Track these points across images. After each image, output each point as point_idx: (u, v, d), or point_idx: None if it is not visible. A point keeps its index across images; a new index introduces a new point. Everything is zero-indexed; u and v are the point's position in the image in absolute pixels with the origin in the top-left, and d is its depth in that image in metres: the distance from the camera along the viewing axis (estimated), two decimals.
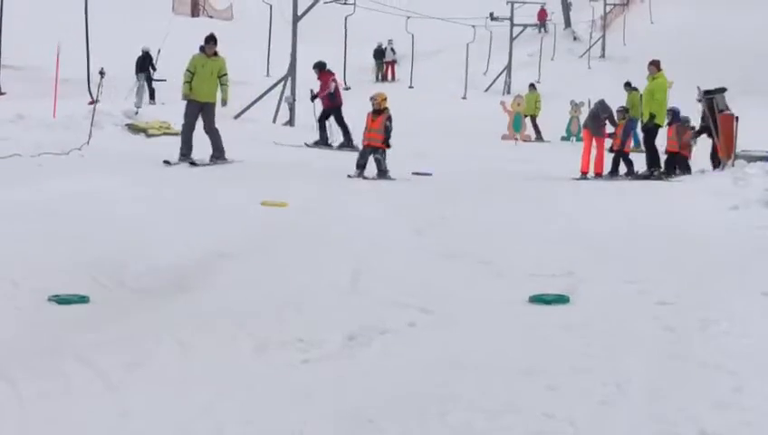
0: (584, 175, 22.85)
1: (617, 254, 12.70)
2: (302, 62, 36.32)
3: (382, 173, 20.82)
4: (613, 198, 18.26)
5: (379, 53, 55.13)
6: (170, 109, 35.05)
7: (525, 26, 58.90)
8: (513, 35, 57.69)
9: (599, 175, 23.19)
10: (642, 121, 22.81)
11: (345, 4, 42.22)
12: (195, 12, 62.00)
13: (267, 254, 12.56)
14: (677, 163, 23.46)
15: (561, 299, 10.27)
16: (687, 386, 7.61)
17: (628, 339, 8.90)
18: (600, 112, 23.98)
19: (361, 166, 21.00)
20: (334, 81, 28.56)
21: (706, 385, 7.62)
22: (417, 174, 21.85)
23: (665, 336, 9.02)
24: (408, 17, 50.49)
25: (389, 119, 21.35)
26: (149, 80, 37.58)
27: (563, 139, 36.75)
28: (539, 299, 10.25)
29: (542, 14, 69.35)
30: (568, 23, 71.48)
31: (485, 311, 9.92)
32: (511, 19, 57.99)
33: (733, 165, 20.54)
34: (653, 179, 21.58)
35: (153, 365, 8.00)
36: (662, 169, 22.24)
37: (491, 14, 57.31)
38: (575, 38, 68.67)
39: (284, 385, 7.65)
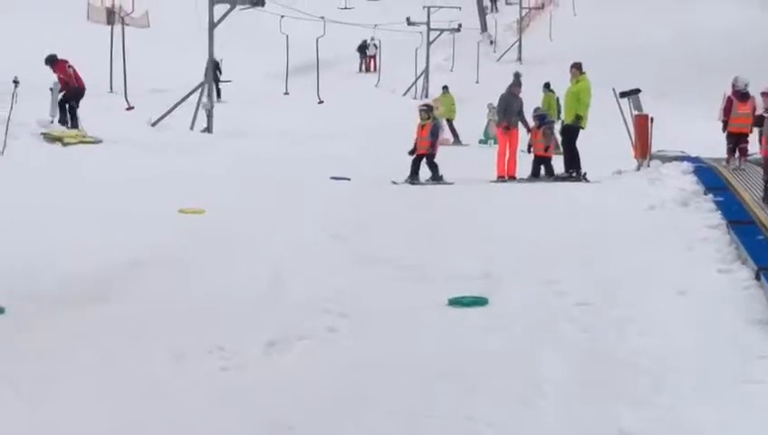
0: (501, 178, 22.83)
1: (535, 255, 12.75)
2: (228, 70, 36.20)
3: None
4: (531, 200, 18.32)
5: (362, 48, 59.89)
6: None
7: (442, 31, 59.02)
8: (430, 40, 57.92)
9: (513, 178, 22.99)
10: (563, 123, 22.75)
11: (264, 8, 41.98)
12: (110, 19, 61.35)
13: (185, 262, 12.46)
14: (545, 166, 22.97)
15: (479, 301, 10.30)
16: (605, 386, 7.67)
17: (546, 340, 8.95)
18: (512, 94, 23.84)
19: None
20: (70, 66, 27.95)
21: (624, 384, 7.68)
22: (336, 179, 21.77)
23: (583, 337, 9.08)
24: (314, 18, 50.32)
25: None
26: (218, 82, 42.97)
27: (481, 142, 36.82)
28: (457, 302, 10.27)
29: None
30: (484, 27, 71.83)
31: (405, 315, 9.93)
32: (428, 24, 58.14)
33: (648, 165, 20.68)
34: (571, 181, 21.63)
35: (70, 377, 7.92)
36: (582, 171, 22.20)
37: (407, 19, 57.40)
38: (491, 42, 69.01)
39: (204, 394, 7.60)
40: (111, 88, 38.68)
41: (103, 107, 32.77)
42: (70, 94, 27.47)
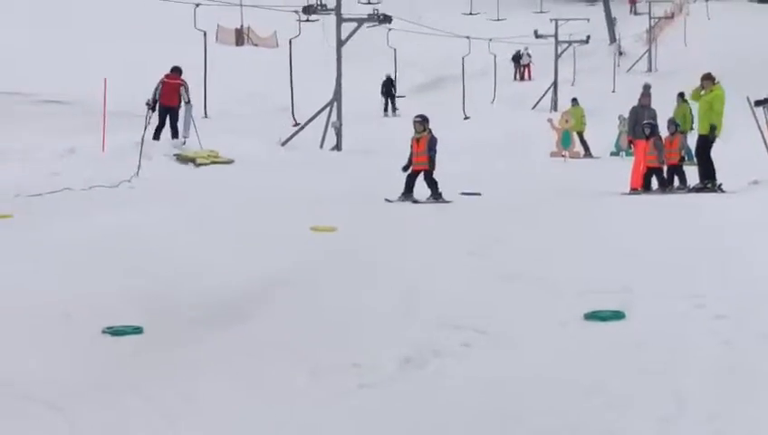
0: (635, 190, 22.59)
1: (671, 269, 12.56)
2: (348, 87, 36.35)
3: None
4: (666, 212, 18.10)
5: (517, 58, 64.80)
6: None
7: (570, 43, 58.81)
8: (558, 52, 57.78)
9: (641, 189, 22.66)
10: (699, 133, 22.40)
11: (389, 28, 42.32)
12: (239, 41, 62.31)
13: (319, 279, 12.54)
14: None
15: (616, 316, 10.15)
16: (749, 402, 7.49)
17: (686, 354, 8.79)
18: (642, 105, 23.67)
19: None
20: (162, 82, 28.02)
21: None
22: (466, 194, 21.72)
23: (724, 351, 8.89)
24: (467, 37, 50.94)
25: None
26: (393, 97, 47.68)
27: (613, 154, 36.57)
28: (594, 316, 10.14)
29: None
30: (613, 38, 71.31)
31: (540, 330, 9.84)
32: (555, 36, 58.01)
33: None
34: (707, 192, 21.33)
35: (209, 396, 7.99)
36: (717, 182, 21.81)
37: (535, 32, 57.31)
38: (621, 53, 68.48)
39: (341, 411, 7.61)
40: (206, 113, 38.90)
41: (230, 127, 33.24)
42: (163, 109, 28.06)
